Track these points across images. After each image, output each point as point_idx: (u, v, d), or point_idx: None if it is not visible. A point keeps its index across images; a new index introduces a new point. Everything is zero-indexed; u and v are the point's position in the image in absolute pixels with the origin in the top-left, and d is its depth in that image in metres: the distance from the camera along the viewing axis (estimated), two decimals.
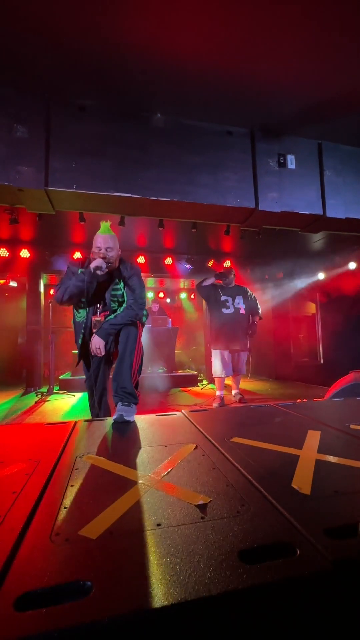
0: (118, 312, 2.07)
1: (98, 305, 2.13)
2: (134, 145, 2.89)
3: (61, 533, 0.76)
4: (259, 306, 4.15)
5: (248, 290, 4.17)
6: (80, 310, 2.16)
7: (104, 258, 2.06)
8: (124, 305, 2.10)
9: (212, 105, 2.90)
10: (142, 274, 2.25)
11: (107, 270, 2.08)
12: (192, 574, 0.61)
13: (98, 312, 2.12)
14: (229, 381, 4.25)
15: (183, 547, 0.70)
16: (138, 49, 2.32)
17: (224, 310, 3.97)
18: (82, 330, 2.13)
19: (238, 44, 2.30)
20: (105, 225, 2.17)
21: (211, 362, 7.00)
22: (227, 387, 4.28)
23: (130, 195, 2.85)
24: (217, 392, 4.05)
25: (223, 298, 3.99)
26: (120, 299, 2.13)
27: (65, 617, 0.53)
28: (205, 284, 4.03)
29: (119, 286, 2.14)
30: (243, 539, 0.72)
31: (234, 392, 4.19)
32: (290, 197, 3.22)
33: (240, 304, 4.01)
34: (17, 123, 2.60)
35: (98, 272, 2.02)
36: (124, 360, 2.00)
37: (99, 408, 2.24)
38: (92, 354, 2.05)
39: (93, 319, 2.09)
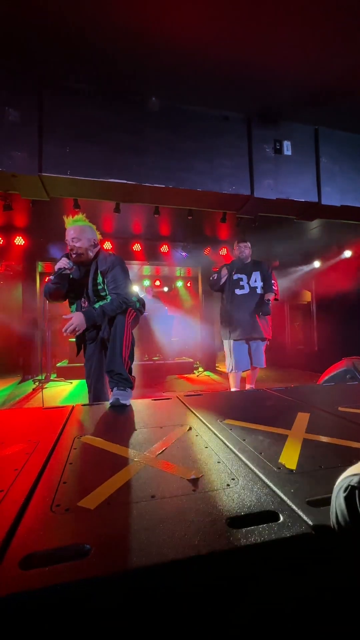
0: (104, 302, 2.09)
1: (83, 300, 2.20)
2: (129, 130, 2.85)
3: (61, 504, 0.81)
4: (274, 282, 3.48)
5: (265, 264, 3.52)
6: (72, 306, 2.24)
7: (71, 250, 2.11)
8: (108, 298, 2.11)
9: (208, 89, 2.85)
10: (125, 263, 2.22)
11: (77, 260, 2.13)
12: (183, 537, 0.67)
13: (83, 308, 2.17)
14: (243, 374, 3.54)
15: (175, 515, 0.75)
16: (133, 31, 2.26)
17: (237, 291, 3.34)
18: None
19: (235, 27, 2.26)
20: (69, 219, 2.17)
21: (207, 349, 7.07)
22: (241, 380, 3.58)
23: (125, 181, 2.83)
24: (233, 389, 3.42)
25: (236, 276, 3.38)
26: (102, 293, 2.16)
27: (66, 574, 0.58)
28: (222, 281, 3.39)
29: (99, 281, 2.16)
30: (231, 508, 0.78)
31: (248, 386, 3.51)
32: (285, 184, 3.22)
33: (257, 282, 3.39)
34: (8, 107, 2.55)
35: (65, 272, 2.07)
36: (115, 348, 2.04)
37: (94, 393, 2.29)
38: (68, 330, 2.01)
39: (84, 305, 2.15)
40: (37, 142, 2.61)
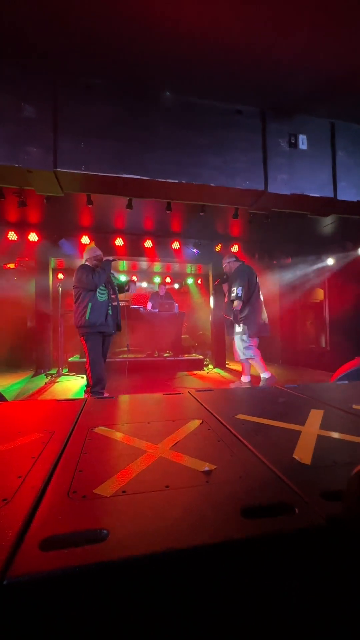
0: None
1: (110, 288, 3.32)
2: (143, 125, 2.85)
3: (78, 491, 0.83)
4: (235, 287, 3.95)
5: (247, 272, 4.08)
6: (105, 292, 3.20)
7: (100, 259, 3.29)
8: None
9: (222, 82, 2.82)
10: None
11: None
12: (197, 525, 0.67)
13: (111, 293, 3.30)
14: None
15: (189, 505, 0.76)
16: (146, 25, 2.26)
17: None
18: (109, 306, 3.23)
19: (248, 19, 2.23)
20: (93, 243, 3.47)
21: (217, 346, 7.07)
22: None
23: (138, 176, 2.84)
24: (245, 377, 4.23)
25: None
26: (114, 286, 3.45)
27: (85, 556, 0.59)
28: (237, 306, 3.99)
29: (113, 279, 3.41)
30: (245, 500, 0.78)
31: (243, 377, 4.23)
32: (300, 179, 3.17)
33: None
34: (24, 102, 2.58)
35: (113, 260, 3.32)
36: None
37: (101, 373, 3.15)
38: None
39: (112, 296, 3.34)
40: (52, 138, 2.64)
